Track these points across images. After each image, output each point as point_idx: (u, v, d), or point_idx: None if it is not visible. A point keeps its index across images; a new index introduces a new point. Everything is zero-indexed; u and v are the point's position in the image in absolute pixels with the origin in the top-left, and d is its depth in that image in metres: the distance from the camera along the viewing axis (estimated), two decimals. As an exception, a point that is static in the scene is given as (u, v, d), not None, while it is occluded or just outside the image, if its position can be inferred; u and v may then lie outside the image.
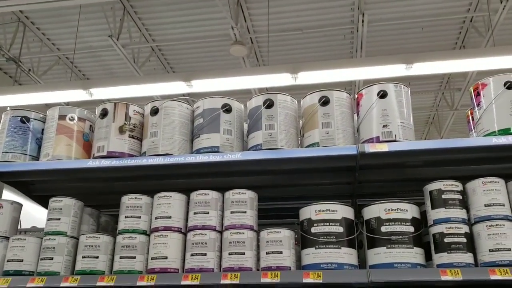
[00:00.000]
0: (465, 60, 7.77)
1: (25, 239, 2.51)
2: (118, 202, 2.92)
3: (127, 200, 2.50)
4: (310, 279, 2.16)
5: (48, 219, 2.54)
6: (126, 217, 2.47)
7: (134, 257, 2.38)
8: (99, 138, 2.64)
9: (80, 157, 2.68)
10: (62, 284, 2.31)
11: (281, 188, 2.86)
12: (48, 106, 6.87)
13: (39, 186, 2.98)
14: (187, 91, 8.39)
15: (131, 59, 8.67)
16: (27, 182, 2.94)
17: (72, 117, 2.71)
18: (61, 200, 2.55)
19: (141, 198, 2.51)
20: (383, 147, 2.34)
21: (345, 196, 2.93)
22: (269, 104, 2.54)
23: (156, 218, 2.44)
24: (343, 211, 2.34)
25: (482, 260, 2.16)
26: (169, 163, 2.47)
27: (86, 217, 2.72)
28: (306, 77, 8.09)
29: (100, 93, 7.60)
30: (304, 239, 2.34)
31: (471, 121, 2.92)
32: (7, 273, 2.45)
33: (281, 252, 2.30)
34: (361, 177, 2.68)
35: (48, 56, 9.06)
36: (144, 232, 2.45)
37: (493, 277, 2.04)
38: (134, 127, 2.67)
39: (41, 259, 2.45)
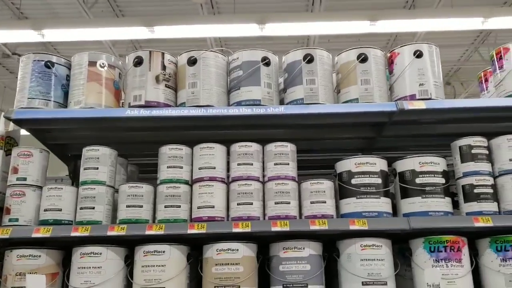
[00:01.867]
0: (415, 20, 8.11)
1: (62, 188, 2.45)
2: (144, 152, 2.90)
3: (168, 150, 2.49)
4: (356, 226, 2.31)
5: (85, 168, 2.48)
6: (168, 167, 2.46)
7: (179, 206, 2.41)
8: (134, 87, 2.56)
9: (112, 105, 2.60)
10: (108, 233, 2.31)
11: (313, 141, 2.95)
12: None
13: (56, 134, 2.87)
14: (145, 36, 8.10)
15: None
16: (45, 130, 2.82)
17: (103, 63, 2.60)
18: (98, 149, 2.49)
19: (182, 149, 2.50)
20: (421, 105, 2.48)
21: (363, 150, 3.09)
22: (310, 59, 2.58)
23: (200, 168, 2.46)
24: (380, 163, 2.49)
25: (506, 208, 2.41)
26: (212, 115, 2.47)
27: (117, 166, 2.67)
28: (274, 28, 8.13)
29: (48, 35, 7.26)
30: (344, 190, 2.47)
31: (483, 82, 3.13)
32: (45, 222, 2.40)
33: (324, 202, 2.42)
34: (386, 132, 2.82)
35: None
36: (186, 182, 2.47)
37: (519, 223, 2.29)
38: (170, 76, 2.62)
39: (81, 209, 2.41)
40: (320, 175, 2.56)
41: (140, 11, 9.04)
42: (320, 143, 3.02)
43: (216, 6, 9.07)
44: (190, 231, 2.30)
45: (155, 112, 2.47)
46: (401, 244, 2.52)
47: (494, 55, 2.73)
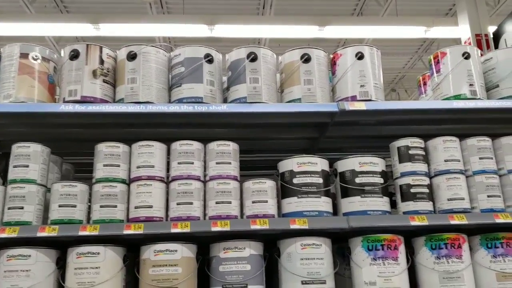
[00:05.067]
0: (362, 26, 8.39)
1: (-13, 187, 2.29)
2: (80, 150, 2.78)
3: (105, 148, 2.39)
4: (296, 225, 2.30)
5: (14, 166, 2.33)
6: (104, 165, 2.37)
7: (115, 206, 2.31)
8: (69, 82, 2.45)
9: (45, 100, 2.47)
10: (39, 234, 2.18)
11: (257, 141, 2.93)
12: None
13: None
14: (90, 34, 7.86)
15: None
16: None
17: (36, 56, 2.47)
18: (29, 146, 2.35)
19: (119, 147, 2.41)
20: (361, 106, 2.51)
21: (306, 151, 3.10)
22: (254, 58, 2.56)
23: (138, 167, 2.38)
24: (322, 163, 2.50)
25: (440, 208, 2.48)
26: (151, 112, 2.39)
27: (50, 165, 2.54)
28: (224, 30, 8.14)
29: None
30: (286, 189, 2.46)
31: (422, 85, 3.23)
32: (-32, 224, 2.23)
33: (266, 201, 2.40)
34: (328, 133, 2.85)
35: None
36: (123, 181, 2.38)
37: (452, 221, 2.36)
38: (108, 71, 2.52)
39: (9, 208, 2.27)
40: (265, 176, 2.54)
41: (86, 7, 8.76)
42: (265, 143, 3.01)
43: (166, 6, 8.95)
44: (126, 232, 2.21)
45: (91, 108, 2.37)
46: (341, 244, 2.55)
47: (432, 59, 2.83)
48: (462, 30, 7.77)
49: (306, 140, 3.05)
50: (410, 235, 2.50)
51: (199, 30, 8.05)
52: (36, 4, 8.34)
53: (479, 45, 7.39)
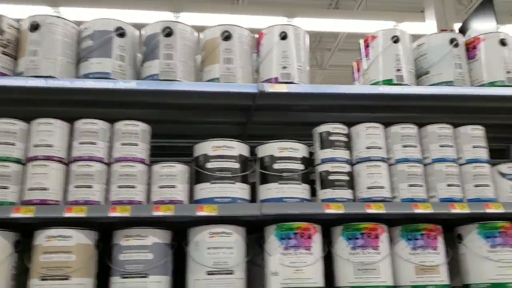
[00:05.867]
0: (331, 19, 8.31)
1: None
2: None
3: (-1, 124, 2.19)
4: (204, 212, 2.15)
5: None
6: (-3, 143, 2.17)
7: (7, 188, 2.12)
8: (-38, 51, 2.23)
9: None
10: None
11: (173, 125, 2.76)
12: None
13: None
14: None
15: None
16: None
17: None
18: None
19: (15, 124, 2.22)
20: (282, 88, 2.38)
21: (237, 137, 2.95)
22: (169, 33, 2.40)
23: (36, 146, 2.19)
24: (239, 148, 2.36)
25: (360, 196, 2.37)
26: (53, 87, 2.20)
27: None
28: (190, 18, 7.91)
29: None
30: (199, 174, 2.31)
31: (356, 71, 3.12)
32: None
33: (174, 186, 2.25)
34: (255, 118, 2.71)
35: None
36: (18, 161, 2.19)
37: (368, 210, 2.25)
38: (8, 42, 2.32)
39: None
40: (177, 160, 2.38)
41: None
42: (191, 127, 2.84)
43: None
44: (14, 215, 2.03)
45: (-16, 81, 2.17)
46: (261, 233, 2.42)
47: (362, 43, 2.71)
48: (429, 26, 7.76)
49: (236, 126, 2.90)
50: (331, 224, 2.38)
51: (164, 17, 7.80)
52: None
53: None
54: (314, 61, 11.48)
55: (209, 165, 2.29)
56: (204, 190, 2.27)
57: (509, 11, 8.52)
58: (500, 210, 2.31)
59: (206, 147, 2.33)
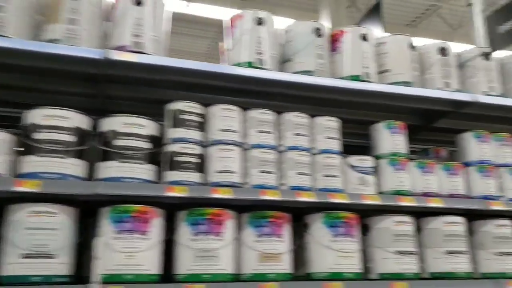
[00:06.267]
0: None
1: None
2: None
3: None
4: (22, 187, 1.88)
5: None
6: None
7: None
8: None
9: None
10: None
11: (10, 91, 2.42)
12: None
13: None
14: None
15: None
16: None
17: None
18: None
19: None
20: (132, 57, 2.18)
21: (90, 112, 2.68)
22: (1, -20, 2.07)
23: None
24: (77, 119, 2.12)
25: (210, 180, 2.25)
26: None
27: None
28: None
29: None
30: (27, 146, 2.03)
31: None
32: None
33: (-9, 157, 1.94)
34: (109, 92, 2.47)
35: None
36: None
37: (215, 195, 2.14)
38: None
39: None
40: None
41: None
42: (41, 96, 2.49)
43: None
44: None
45: None
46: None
47: (230, 23, 2.59)
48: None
49: (88, 99, 2.61)
50: (180, 209, 2.22)
51: None
52: None
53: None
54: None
55: (38, 136, 2.02)
56: (29, 163, 1.99)
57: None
58: (345, 200, 2.33)
59: (36, 116, 2.06)
